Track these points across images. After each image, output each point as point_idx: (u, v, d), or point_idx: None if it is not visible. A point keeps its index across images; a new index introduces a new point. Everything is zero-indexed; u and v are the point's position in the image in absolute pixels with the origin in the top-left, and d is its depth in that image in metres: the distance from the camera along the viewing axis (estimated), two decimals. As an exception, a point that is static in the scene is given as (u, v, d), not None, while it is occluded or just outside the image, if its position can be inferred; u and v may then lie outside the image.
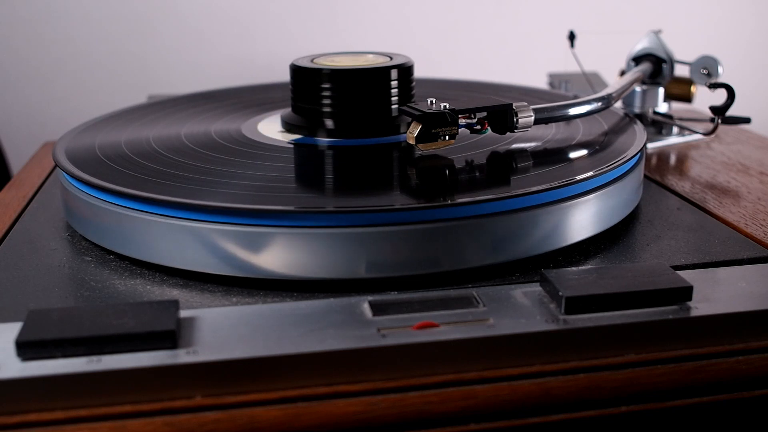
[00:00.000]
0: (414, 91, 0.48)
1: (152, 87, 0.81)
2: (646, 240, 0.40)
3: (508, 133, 0.43)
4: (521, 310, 0.32)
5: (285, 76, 0.50)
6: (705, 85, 0.54)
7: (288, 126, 0.47)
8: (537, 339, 0.30)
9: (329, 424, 0.28)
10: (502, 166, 0.42)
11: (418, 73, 0.50)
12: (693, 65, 0.57)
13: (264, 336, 0.30)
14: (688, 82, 0.60)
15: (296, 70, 0.47)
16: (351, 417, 0.28)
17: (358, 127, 0.46)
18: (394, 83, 0.46)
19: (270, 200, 0.35)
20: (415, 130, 0.40)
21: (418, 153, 0.42)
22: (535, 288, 0.34)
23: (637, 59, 0.59)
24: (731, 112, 0.51)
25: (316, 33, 0.85)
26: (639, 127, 0.47)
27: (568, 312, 0.31)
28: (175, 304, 0.30)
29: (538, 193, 0.36)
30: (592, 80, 0.66)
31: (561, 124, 0.48)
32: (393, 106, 0.46)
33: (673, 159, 0.56)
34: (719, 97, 0.50)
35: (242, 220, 0.34)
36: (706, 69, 0.57)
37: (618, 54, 0.66)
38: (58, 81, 0.82)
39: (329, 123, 0.46)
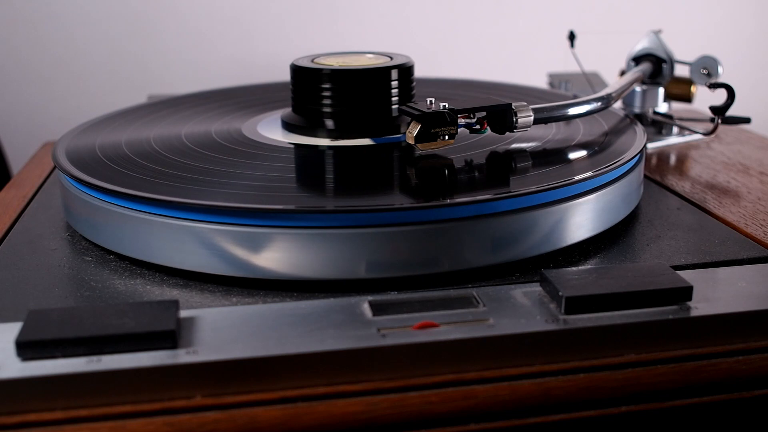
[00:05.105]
0: (414, 91, 0.48)
1: (152, 87, 0.81)
2: (646, 240, 0.40)
3: (507, 133, 0.43)
4: (521, 310, 0.32)
5: (285, 76, 0.50)
6: (705, 85, 0.54)
7: (288, 126, 0.47)
8: (537, 339, 0.30)
9: (329, 424, 0.28)
10: (502, 166, 0.41)
11: (418, 73, 0.50)
12: (693, 65, 0.57)
13: (264, 336, 0.30)
14: (688, 82, 0.60)
15: (296, 70, 0.47)
16: (351, 417, 0.28)
17: (358, 127, 0.46)
18: (394, 83, 0.46)
19: (270, 200, 0.35)
20: (415, 129, 0.40)
21: (417, 153, 0.42)
22: (535, 288, 0.34)
23: (637, 59, 0.59)
24: (731, 112, 0.51)
25: (316, 33, 0.85)
26: (639, 128, 0.47)
27: (568, 312, 0.31)
28: (175, 304, 0.30)
29: (538, 193, 0.36)
30: (592, 80, 0.66)
31: (561, 124, 0.48)
32: (393, 106, 0.46)
33: (673, 159, 0.56)
34: (719, 97, 0.50)
35: (242, 220, 0.34)
36: (706, 69, 0.57)
37: (618, 54, 0.66)
38: (58, 81, 0.82)
39: (329, 123, 0.46)
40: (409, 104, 0.42)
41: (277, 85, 0.62)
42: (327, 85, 0.45)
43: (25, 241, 0.41)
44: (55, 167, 0.54)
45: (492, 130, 0.43)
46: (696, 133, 0.57)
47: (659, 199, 0.46)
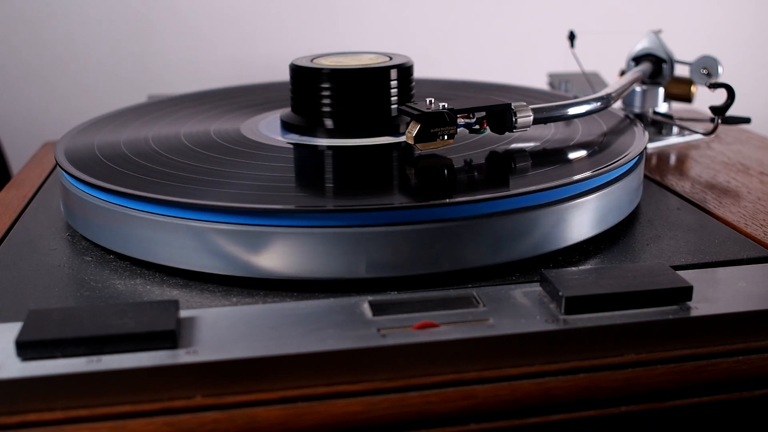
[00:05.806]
0: (414, 91, 0.48)
1: (152, 87, 0.81)
2: (646, 240, 0.40)
3: (507, 133, 0.43)
4: (521, 310, 0.32)
5: (285, 76, 0.50)
6: (705, 85, 0.54)
7: (288, 126, 0.47)
8: (537, 339, 0.30)
9: (329, 424, 0.28)
10: (501, 166, 0.41)
11: (418, 73, 0.49)
12: (693, 65, 0.57)
13: (264, 336, 0.30)
14: (688, 82, 0.60)
15: (296, 70, 0.47)
16: (351, 417, 0.28)
17: (358, 127, 0.46)
18: (393, 83, 0.46)
19: (270, 200, 0.35)
20: (414, 129, 0.40)
21: (417, 153, 0.42)
22: (535, 288, 0.34)
23: (637, 59, 0.59)
24: (731, 112, 0.51)
25: (316, 33, 0.85)
26: (640, 128, 0.47)
27: (568, 312, 0.31)
28: (175, 304, 0.30)
29: (538, 192, 0.36)
30: (592, 80, 0.66)
31: (560, 124, 0.48)
32: (393, 106, 0.46)
33: (673, 159, 0.56)
34: (719, 97, 0.50)
35: (242, 220, 0.34)
36: (706, 69, 0.57)
37: (618, 54, 0.66)
38: (58, 81, 0.82)
39: (329, 123, 0.46)
40: (408, 104, 0.42)
41: (276, 85, 0.62)
42: (326, 85, 0.45)
43: (25, 241, 0.41)
44: (55, 167, 0.54)
45: (491, 130, 0.43)
46: (696, 133, 0.57)
47: (659, 199, 0.46)
